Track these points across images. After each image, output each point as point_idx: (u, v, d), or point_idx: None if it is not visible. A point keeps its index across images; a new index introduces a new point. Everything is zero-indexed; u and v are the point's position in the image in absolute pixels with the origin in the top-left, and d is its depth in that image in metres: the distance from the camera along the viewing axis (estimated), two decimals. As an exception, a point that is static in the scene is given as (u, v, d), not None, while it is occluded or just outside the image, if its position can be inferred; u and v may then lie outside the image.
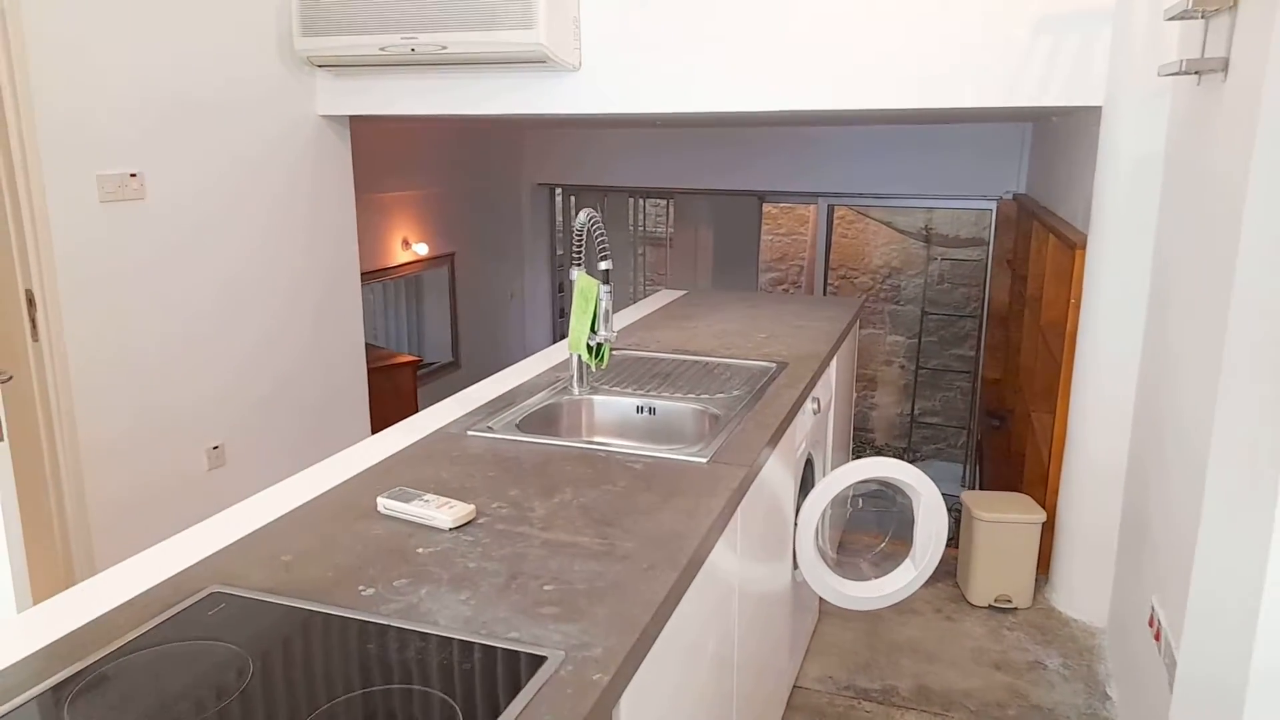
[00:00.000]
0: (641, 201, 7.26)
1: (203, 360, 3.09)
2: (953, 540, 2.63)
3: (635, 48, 3.11)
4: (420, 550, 1.30)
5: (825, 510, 2.17)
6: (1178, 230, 2.25)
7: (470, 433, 1.83)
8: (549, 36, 2.96)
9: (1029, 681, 2.58)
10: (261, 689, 0.97)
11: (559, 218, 6.77)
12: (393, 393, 4.76)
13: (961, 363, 7.17)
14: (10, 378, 2.55)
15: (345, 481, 1.57)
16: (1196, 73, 2.02)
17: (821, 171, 5.76)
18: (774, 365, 2.38)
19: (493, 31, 2.98)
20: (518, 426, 1.88)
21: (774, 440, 1.86)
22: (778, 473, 2.00)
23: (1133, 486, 2.57)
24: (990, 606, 2.96)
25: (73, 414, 2.64)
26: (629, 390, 2.16)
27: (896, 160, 5.54)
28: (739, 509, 1.62)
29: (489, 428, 1.85)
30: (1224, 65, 1.80)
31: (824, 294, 6.36)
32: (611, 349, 2.40)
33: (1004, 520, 2.90)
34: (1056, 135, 3.94)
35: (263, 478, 3.17)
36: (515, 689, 0.97)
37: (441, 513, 1.38)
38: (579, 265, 2.06)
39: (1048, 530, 3.00)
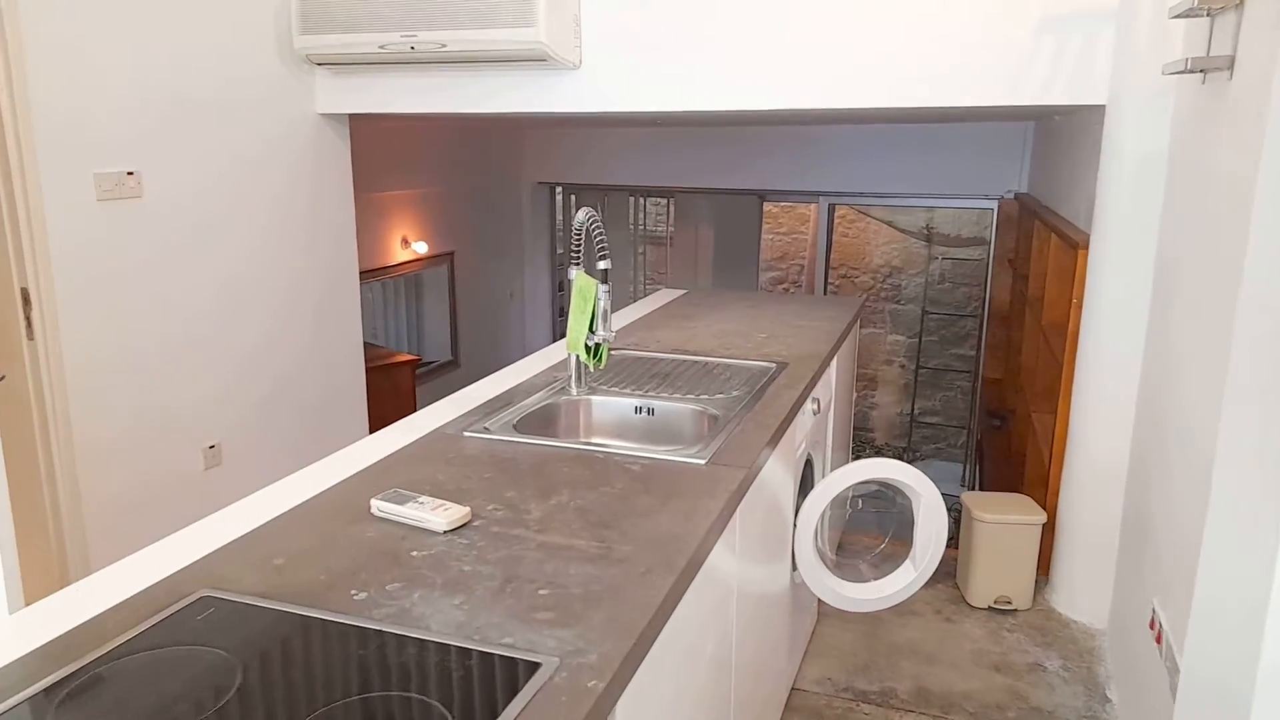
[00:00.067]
0: (642, 200, 7.25)
1: (200, 359, 3.07)
2: (952, 541, 2.61)
3: (636, 46, 3.10)
4: (414, 553, 1.29)
5: (824, 511, 2.15)
6: (1181, 230, 2.24)
7: (467, 433, 1.81)
8: (549, 34, 2.94)
9: (1029, 683, 2.56)
10: (248, 697, 0.95)
11: (559, 216, 6.76)
12: (392, 392, 4.75)
13: (962, 362, 7.16)
14: (4, 376, 2.53)
15: (340, 483, 1.56)
16: (1201, 71, 2.00)
17: (822, 170, 5.75)
18: (774, 365, 2.36)
19: (492, 29, 2.97)
20: (515, 427, 1.87)
21: (773, 441, 1.84)
22: (777, 474, 1.98)
23: (1134, 487, 2.56)
24: (990, 608, 2.95)
25: (68, 413, 2.63)
26: (627, 391, 2.15)
27: (897, 159, 5.53)
28: (738, 511, 1.60)
29: (486, 428, 1.84)
30: (1230, 64, 1.78)
31: (824, 293, 6.34)
32: (610, 349, 2.38)
33: (1004, 521, 2.88)
34: (1059, 134, 3.92)
35: (259, 478, 3.15)
36: (508, 696, 0.95)
37: (436, 515, 1.37)
38: (578, 264, 2.05)
39: (1048, 531, 2.98)
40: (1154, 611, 2.04)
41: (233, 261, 3.17)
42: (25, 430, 2.57)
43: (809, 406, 2.29)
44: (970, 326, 7.05)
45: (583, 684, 0.98)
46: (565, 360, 2.35)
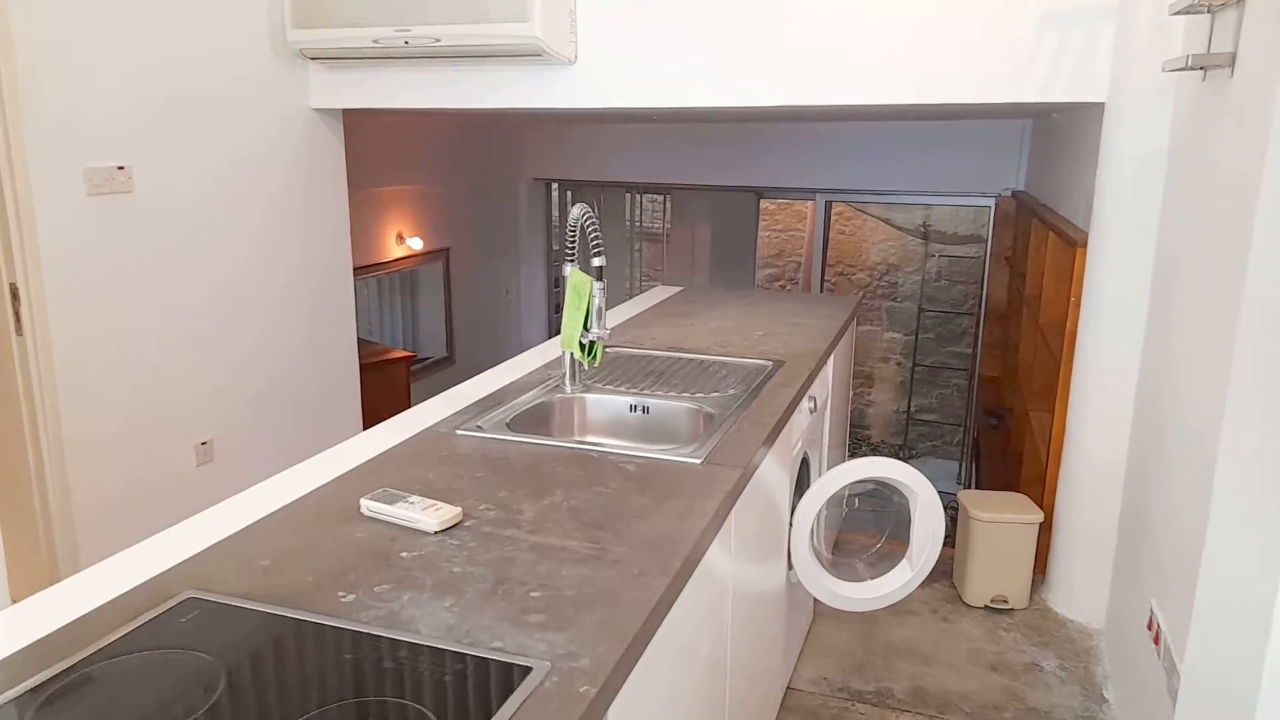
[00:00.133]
0: (639, 197, 7.22)
1: (192, 355, 3.05)
2: (949, 540, 2.60)
3: (632, 42, 3.07)
4: (404, 554, 1.27)
5: (821, 510, 2.13)
6: (1181, 227, 2.22)
7: (459, 432, 1.79)
8: (544, 29, 2.92)
9: (1025, 683, 2.55)
10: (231, 702, 0.93)
11: (555, 213, 6.73)
12: (386, 388, 4.72)
13: (959, 360, 7.15)
14: (-7, 373, 2.51)
15: (329, 482, 1.53)
16: (1202, 68, 1.99)
17: (819, 168, 5.73)
18: (770, 363, 2.34)
19: (486, 24, 2.94)
20: (508, 426, 1.85)
21: (770, 440, 1.82)
22: (773, 473, 1.96)
23: (1132, 486, 2.54)
24: (987, 607, 2.93)
25: (57, 409, 2.60)
26: (622, 389, 2.12)
27: (894, 157, 5.51)
28: (733, 510, 1.58)
29: (478, 427, 1.81)
30: (1231, 60, 1.77)
31: (821, 291, 6.33)
32: (605, 346, 2.36)
33: (1001, 520, 2.87)
34: (1057, 132, 3.90)
35: (252, 475, 3.13)
36: (498, 701, 0.93)
37: (427, 515, 1.34)
38: (572, 261, 2.03)
39: (1045, 530, 2.97)
40: (1152, 611, 2.02)
41: (225, 257, 3.15)
42: (14, 427, 2.54)
43: (805, 405, 2.27)
44: (967, 324, 7.04)
45: (574, 689, 0.96)
46: (560, 358, 2.33)
